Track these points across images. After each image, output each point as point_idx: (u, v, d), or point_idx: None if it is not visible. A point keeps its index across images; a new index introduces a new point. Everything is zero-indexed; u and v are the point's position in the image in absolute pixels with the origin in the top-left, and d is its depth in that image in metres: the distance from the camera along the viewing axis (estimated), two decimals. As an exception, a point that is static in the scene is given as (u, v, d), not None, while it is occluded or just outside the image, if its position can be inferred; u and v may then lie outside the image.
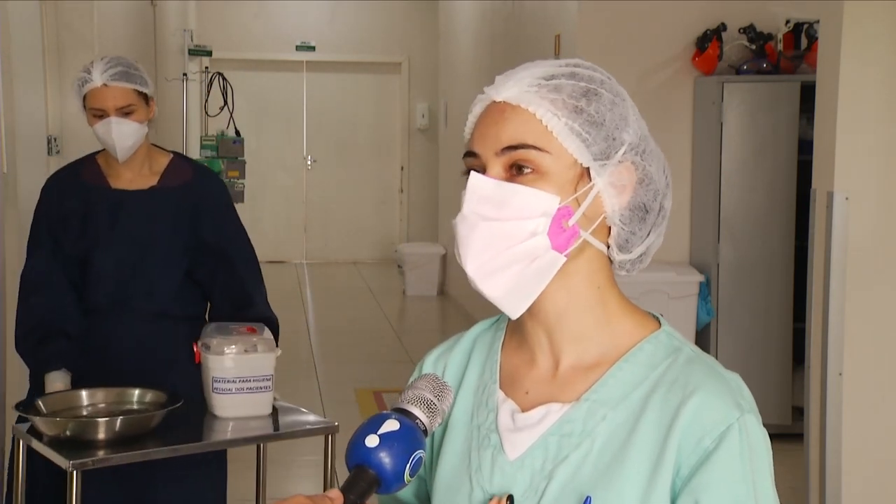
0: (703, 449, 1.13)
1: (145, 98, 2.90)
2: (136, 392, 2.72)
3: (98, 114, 2.83)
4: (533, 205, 1.15)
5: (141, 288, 2.91)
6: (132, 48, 6.20)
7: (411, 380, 1.34)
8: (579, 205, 1.17)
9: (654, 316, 1.27)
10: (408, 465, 1.09)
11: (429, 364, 1.35)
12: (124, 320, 2.91)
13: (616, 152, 1.18)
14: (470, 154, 1.21)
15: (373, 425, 1.11)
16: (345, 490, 1.08)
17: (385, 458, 1.08)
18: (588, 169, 1.18)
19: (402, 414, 1.13)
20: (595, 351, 1.22)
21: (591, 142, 1.17)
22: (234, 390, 2.67)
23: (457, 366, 1.32)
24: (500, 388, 1.27)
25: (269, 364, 2.71)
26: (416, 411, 1.13)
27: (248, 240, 3.09)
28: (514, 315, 1.20)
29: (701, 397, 1.15)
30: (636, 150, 1.20)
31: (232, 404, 2.69)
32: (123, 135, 2.83)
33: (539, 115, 1.17)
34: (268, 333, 2.76)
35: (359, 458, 1.09)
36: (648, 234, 1.23)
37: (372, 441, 1.09)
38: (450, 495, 1.25)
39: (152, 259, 2.92)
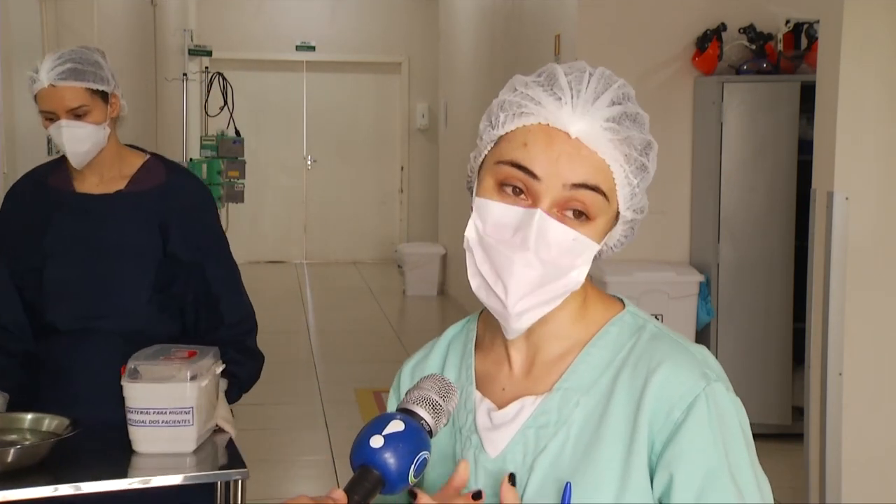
0: (672, 421, 1.14)
1: (103, 96, 2.57)
2: (29, 418, 2.41)
3: (49, 116, 2.55)
4: (580, 252, 1.17)
5: (105, 304, 2.58)
6: (132, 48, 6.20)
7: (392, 389, 1.36)
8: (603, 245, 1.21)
9: (618, 299, 1.29)
10: (412, 466, 1.09)
11: (406, 373, 1.36)
12: (88, 340, 2.58)
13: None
14: (524, 170, 1.16)
15: (378, 426, 1.10)
16: (349, 490, 1.08)
17: (390, 459, 1.08)
18: (618, 214, 1.21)
19: (408, 414, 1.13)
20: (568, 342, 1.24)
21: (638, 195, 1.20)
22: (147, 423, 2.34)
23: (433, 372, 1.32)
24: (477, 388, 1.28)
25: (188, 395, 2.33)
26: (422, 412, 1.13)
27: (227, 250, 2.76)
28: (514, 337, 1.22)
29: (666, 371, 1.16)
30: None
31: (146, 438, 2.35)
32: (76, 139, 2.53)
33: (613, 168, 1.17)
34: (206, 359, 2.41)
35: (363, 459, 1.09)
36: None
37: (377, 441, 1.09)
38: None
39: (117, 271, 2.59)
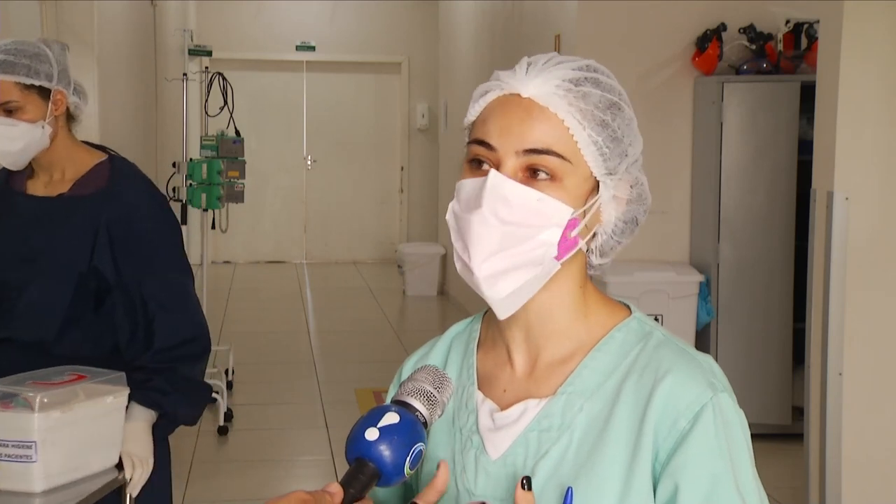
0: (678, 431, 1.13)
1: (43, 92, 2.35)
2: None
3: None
4: (549, 214, 1.15)
5: (21, 314, 2.36)
6: (132, 48, 6.20)
7: (391, 387, 1.35)
8: (584, 216, 1.19)
9: (625, 304, 1.28)
10: (408, 458, 1.08)
11: (408, 369, 1.35)
12: (5, 351, 2.37)
13: (623, 167, 1.20)
14: (483, 144, 1.18)
15: (373, 418, 1.09)
16: (345, 484, 1.07)
17: (385, 452, 1.07)
18: (597, 182, 1.19)
19: (402, 406, 1.12)
20: (570, 344, 1.23)
21: (609, 157, 1.18)
22: None
23: None
24: (479, 388, 1.27)
25: (34, 426, 2.01)
26: (416, 404, 1.12)
27: (173, 265, 2.44)
28: (503, 316, 1.20)
29: (673, 379, 1.15)
30: (636, 164, 1.22)
31: None
32: (7, 137, 2.31)
33: (567, 122, 1.16)
34: (86, 385, 2.12)
35: (359, 452, 1.08)
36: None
37: (372, 434, 1.08)
38: (438, 501, 1.25)
39: (36, 280, 2.36)
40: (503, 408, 1.23)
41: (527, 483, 1.10)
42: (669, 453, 1.13)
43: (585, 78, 1.18)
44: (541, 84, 1.16)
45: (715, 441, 1.13)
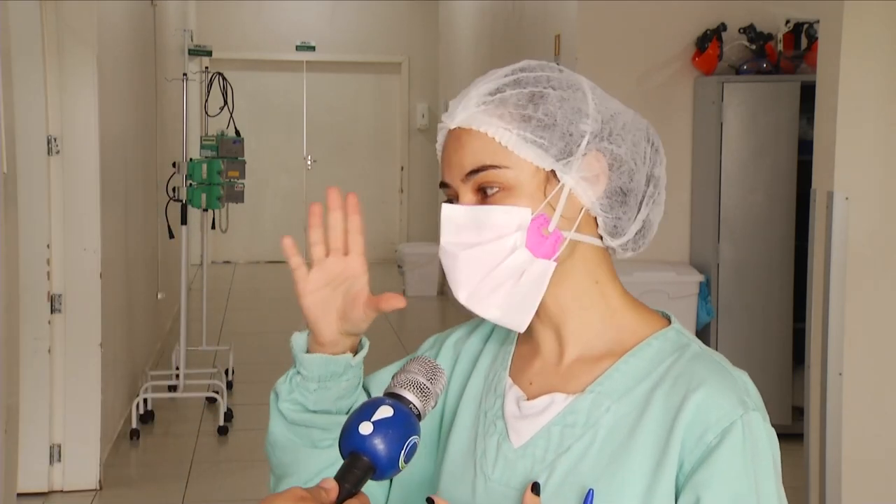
0: (705, 444, 1.12)
1: None
2: None
3: None
4: (506, 222, 1.17)
5: None
6: (132, 48, 6.20)
7: (424, 349, 1.38)
8: (554, 209, 1.18)
9: (664, 315, 1.27)
10: (402, 452, 1.08)
11: (448, 345, 1.36)
12: None
13: (578, 146, 1.18)
14: (442, 184, 1.23)
15: (366, 412, 1.09)
16: (339, 479, 1.07)
17: (379, 445, 1.07)
18: (553, 171, 1.18)
19: (396, 399, 1.12)
20: (600, 345, 1.23)
21: (548, 145, 1.17)
22: None
23: (472, 351, 1.34)
24: (509, 375, 1.28)
25: None
26: (410, 396, 1.12)
27: None
28: (521, 328, 1.21)
29: (705, 393, 1.15)
30: (600, 136, 1.19)
31: None
32: None
33: (490, 133, 1.18)
34: None
35: (353, 446, 1.07)
36: (639, 211, 1.22)
37: (366, 428, 1.07)
38: (454, 481, 1.26)
39: None
40: (530, 398, 1.24)
41: (535, 489, 1.11)
42: (694, 466, 1.13)
43: (505, 84, 1.20)
44: (463, 110, 1.20)
45: (741, 460, 1.12)
